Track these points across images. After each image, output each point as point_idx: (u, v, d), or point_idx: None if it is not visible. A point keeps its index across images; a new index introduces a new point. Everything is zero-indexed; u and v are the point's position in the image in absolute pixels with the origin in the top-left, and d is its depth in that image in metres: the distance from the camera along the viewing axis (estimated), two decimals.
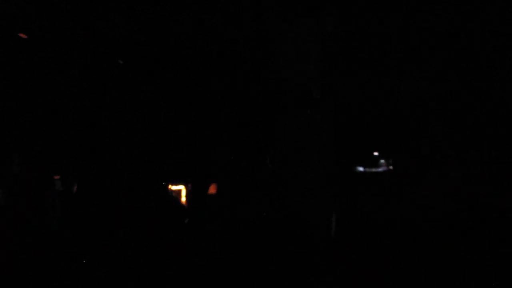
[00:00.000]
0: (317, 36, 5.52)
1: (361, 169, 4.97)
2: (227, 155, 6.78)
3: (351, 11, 5.78)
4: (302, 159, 6.06)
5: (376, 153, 5.06)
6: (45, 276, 4.00)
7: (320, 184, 5.37)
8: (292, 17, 5.84)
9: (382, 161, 5.03)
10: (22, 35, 5.59)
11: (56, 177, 5.26)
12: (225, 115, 6.82)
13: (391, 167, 5.03)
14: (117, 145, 5.90)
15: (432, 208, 5.22)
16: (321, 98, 6.02)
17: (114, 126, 6.12)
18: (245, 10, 5.93)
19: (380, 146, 5.18)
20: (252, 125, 6.70)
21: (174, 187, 5.38)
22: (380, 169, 4.98)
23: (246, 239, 5.05)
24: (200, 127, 6.88)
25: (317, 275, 3.99)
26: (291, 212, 5.62)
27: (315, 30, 5.51)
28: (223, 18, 6.07)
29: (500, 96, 5.87)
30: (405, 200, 5.25)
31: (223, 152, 6.76)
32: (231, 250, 4.72)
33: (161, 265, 4.27)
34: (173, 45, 6.48)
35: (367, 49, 5.97)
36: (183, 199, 5.39)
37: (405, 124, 5.44)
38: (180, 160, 5.93)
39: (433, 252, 4.44)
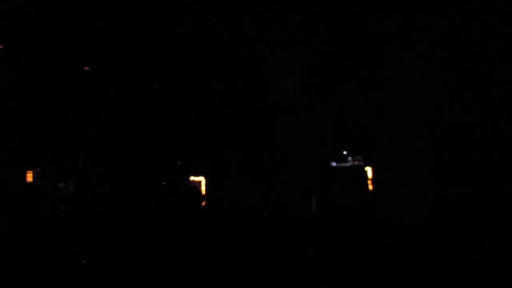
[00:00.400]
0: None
1: (334, 164, 6.42)
2: (228, 154, 6.88)
3: (351, 11, 5.79)
4: (302, 159, 6.18)
5: (345, 152, 6.46)
6: (45, 276, 4.02)
7: (312, 179, 6.06)
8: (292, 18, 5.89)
9: (349, 158, 6.44)
10: (86, 68, 6.55)
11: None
12: (225, 115, 6.84)
13: (355, 163, 6.40)
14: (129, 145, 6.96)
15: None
16: (321, 100, 6.21)
17: (116, 126, 6.78)
18: (245, 10, 5.93)
19: (348, 146, 6.52)
20: (252, 126, 6.73)
21: (196, 178, 6.84)
22: (348, 164, 6.42)
23: (246, 238, 5.07)
24: (200, 127, 6.91)
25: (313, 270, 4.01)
26: (287, 208, 5.94)
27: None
28: (223, 18, 6.08)
29: (500, 96, 5.88)
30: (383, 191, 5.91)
31: (223, 152, 6.88)
32: (231, 250, 4.73)
33: (161, 265, 4.28)
34: (173, 45, 6.48)
35: (362, 51, 6.07)
36: (203, 187, 6.79)
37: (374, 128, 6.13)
38: (190, 158, 7.06)
39: (430, 250, 4.45)
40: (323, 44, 6.11)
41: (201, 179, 6.70)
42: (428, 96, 6.00)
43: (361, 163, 6.39)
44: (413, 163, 5.97)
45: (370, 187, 6.22)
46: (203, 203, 6.56)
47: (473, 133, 6.00)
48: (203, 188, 6.69)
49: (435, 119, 6.01)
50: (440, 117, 6.03)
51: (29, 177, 6.06)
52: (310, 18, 5.94)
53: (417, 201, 5.68)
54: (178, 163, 6.78)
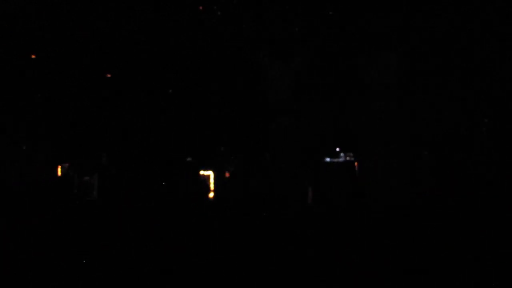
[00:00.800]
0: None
1: (328, 159, 6.85)
2: (228, 154, 6.96)
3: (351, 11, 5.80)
4: (302, 158, 6.24)
5: (337, 149, 6.89)
6: (45, 276, 4.02)
7: (309, 174, 6.46)
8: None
9: (342, 154, 6.89)
10: (109, 75, 6.87)
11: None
12: (226, 115, 6.86)
13: (347, 158, 6.85)
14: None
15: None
16: (320, 100, 6.28)
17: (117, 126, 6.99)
18: (245, 10, 5.94)
19: (340, 143, 6.93)
20: (252, 125, 6.76)
21: (205, 172, 7.40)
22: (340, 160, 6.86)
23: (246, 238, 5.08)
24: (200, 127, 6.92)
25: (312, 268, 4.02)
26: (287, 208, 6.07)
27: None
28: (223, 18, 6.08)
29: (500, 96, 5.88)
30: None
31: (224, 151, 6.98)
32: (231, 249, 4.73)
33: (161, 265, 4.29)
34: (173, 45, 6.47)
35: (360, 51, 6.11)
36: (211, 180, 7.35)
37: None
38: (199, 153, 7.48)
39: (429, 249, 4.45)
40: (323, 44, 6.13)
41: (210, 173, 7.30)
42: (428, 96, 6.01)
43: (352, 158, 6.83)
44: (412, 162, 5.99)
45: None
46: (211, 195, 7.14)
47: (473, 133, 6.00)
48: (211, 181, 7.29)
49: (435, 119, 6.02)
50: (440, 117, 6.04)
51: (59, 171, 6.96)
52: (310, 18, 5.95)
53: (415, 200, 5.70)
54: (188, 159, 7.28)
